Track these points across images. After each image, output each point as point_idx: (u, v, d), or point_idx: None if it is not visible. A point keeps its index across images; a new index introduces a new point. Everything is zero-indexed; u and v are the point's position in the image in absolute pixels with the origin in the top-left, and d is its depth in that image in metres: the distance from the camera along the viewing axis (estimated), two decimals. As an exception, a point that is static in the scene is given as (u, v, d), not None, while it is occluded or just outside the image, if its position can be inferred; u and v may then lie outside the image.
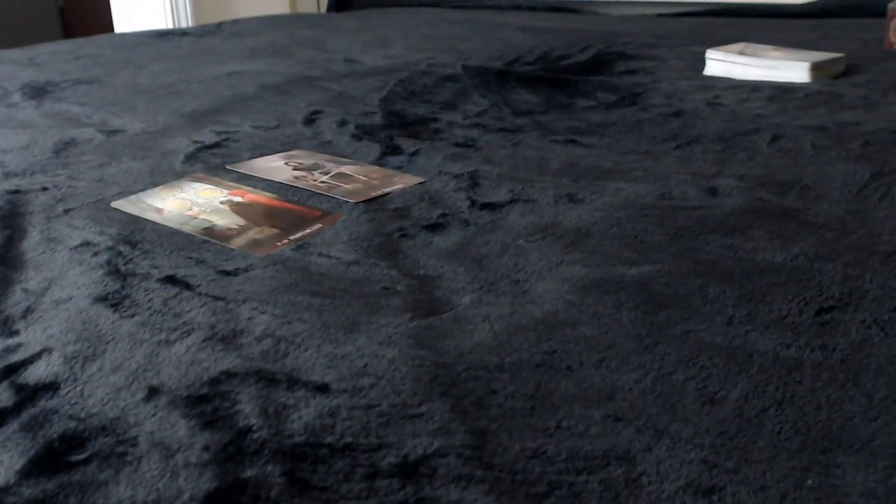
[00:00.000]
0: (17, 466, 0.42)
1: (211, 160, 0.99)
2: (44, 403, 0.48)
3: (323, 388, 0.49)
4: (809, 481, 0.40)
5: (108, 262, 0.69)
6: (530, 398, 0.48)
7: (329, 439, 0.44)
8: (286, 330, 0.57)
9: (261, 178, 0.92)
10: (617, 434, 0.43)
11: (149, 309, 0.61)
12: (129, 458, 0.43)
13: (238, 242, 0.74)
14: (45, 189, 0.89)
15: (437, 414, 0.46)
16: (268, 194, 0.87)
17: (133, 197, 0.86)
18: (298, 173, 0.93)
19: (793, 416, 0.46)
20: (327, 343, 0.55)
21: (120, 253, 0.71)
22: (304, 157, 1.00)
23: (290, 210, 0.82)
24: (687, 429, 0.44)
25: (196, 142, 1.06)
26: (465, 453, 0.42)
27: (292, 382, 0.50)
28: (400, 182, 0.90)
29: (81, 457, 0.43)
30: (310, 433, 0.45)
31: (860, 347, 0.52)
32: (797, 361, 0.51)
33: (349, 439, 0.44)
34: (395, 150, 1.02)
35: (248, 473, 0.41)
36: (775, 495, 0.39)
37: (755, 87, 1.29)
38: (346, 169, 0.95)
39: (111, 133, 1.12)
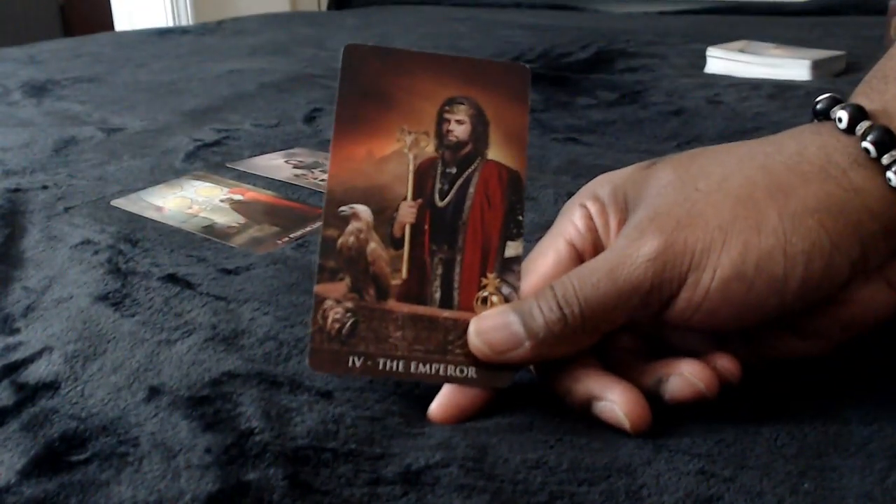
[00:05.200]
0: (18, 466, 0.43)
1: (211, 158, 0.99)
2: (44, 403, 0.48)
3: (326, 395, 0.49)
4: (806, 485, 0.40)
5: (109, 261, 0.69)
6: (531, 408, 0.48)
7: (332, 444, 0.44)
8: (288, 333, 0.57)
9: (261, 176, 0.92)
10: (618, 447, 0.43)
11: (149, 308, 0.61)
12: (130, 459, 0.43)
13: (238, 240, 0.74)
14: (45, 187, 0.89)
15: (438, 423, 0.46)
16: (268, 192, 0.87)
17: (133, 195, 0.86)
18: (298, 171, 0.93)
19: (789, 420, 0.46)
20: (327, 343, 0.55)
21: (120, 251, 0.71)
22: (305, 156, 1.00)
23: (291, 208, 0.83)
24: (685, 440, 0.44)
25: (196, 140, 1.06)
26: (468, 464, 0.42)
27: (295, 386, 0.50)
28: (400, 181, 0.90)
29: (82, 457, 0.43)
30: (313, 437, 0.45)
31: (857, 349, 0.52)
32: (795, 364, 0.51)
33: (353, 445, 0.44)
34: (396, 149, 1.02)
35: (251, 476, 0.41)
36: (772, 500, 0.39)
37: (756, 84, 1.29)
38: (346, 168, 0.94)
39: (111, 131, 1.12)
